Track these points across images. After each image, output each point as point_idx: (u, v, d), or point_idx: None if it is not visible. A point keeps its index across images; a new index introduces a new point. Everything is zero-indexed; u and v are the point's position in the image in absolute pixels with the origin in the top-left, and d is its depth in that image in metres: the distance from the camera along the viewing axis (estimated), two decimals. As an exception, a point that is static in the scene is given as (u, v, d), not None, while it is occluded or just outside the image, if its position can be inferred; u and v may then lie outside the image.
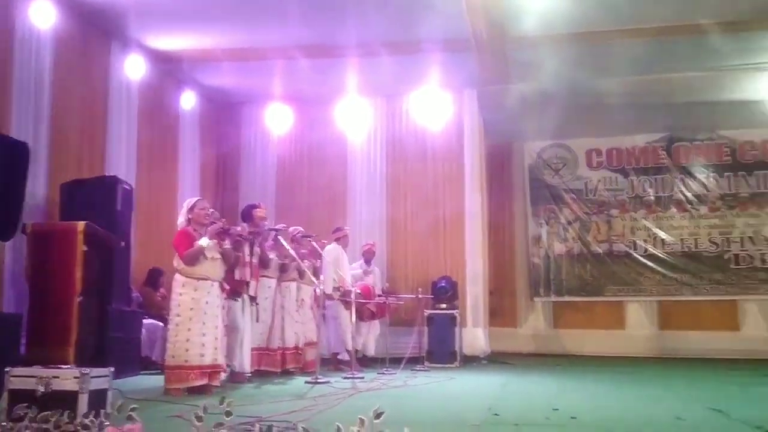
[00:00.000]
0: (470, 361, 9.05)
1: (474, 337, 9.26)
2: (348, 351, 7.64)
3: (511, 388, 6.16)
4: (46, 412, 3.05)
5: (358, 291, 7.72)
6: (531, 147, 12.22)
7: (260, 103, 10.15)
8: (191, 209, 5.42)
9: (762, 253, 11.17)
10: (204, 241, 5.22)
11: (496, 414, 4.16)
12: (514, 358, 10.16)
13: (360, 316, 7.95)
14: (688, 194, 11.58)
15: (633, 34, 8.38)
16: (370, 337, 8.52)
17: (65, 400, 3.20)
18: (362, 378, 6.65)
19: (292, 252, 6.55)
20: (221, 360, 5.30)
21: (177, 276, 5.27)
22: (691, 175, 11.62)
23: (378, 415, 2.59)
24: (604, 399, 5.36)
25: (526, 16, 7.41)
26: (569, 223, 11.97)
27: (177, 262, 5.26)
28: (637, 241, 11.66)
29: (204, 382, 5.14)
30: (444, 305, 8.92)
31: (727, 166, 11.51)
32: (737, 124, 11.22)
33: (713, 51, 8.62)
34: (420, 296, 8.48)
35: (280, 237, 6.51)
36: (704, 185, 11.55)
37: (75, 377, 3.25)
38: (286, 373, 6.86)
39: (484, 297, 9.61)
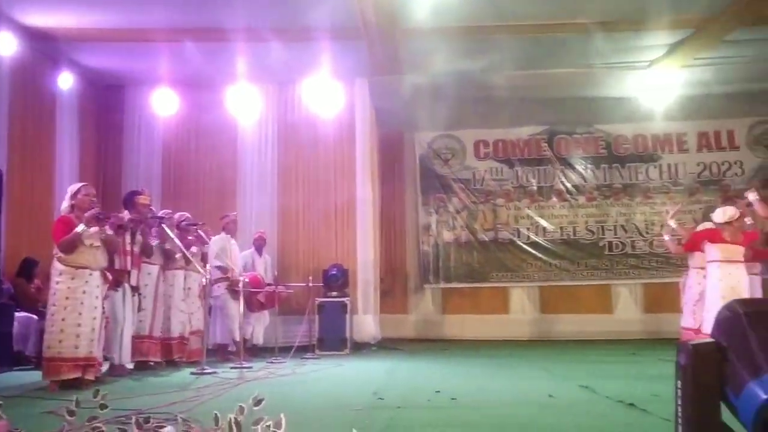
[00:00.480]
0: (360, 348, 9.16)
1: (364, 324, 9.37)
2: (236, 341, 7.54)
3: (398, 373, 6.30)
4: None
5: (247, 280, 7.62)
6: (421, 137, 12.44)
7: (145, 86, 9.78)
8: (75, 195, 5.17)
9: (632, 240, 11.92)
10: (81, 228, 4.98)
11: (380, 398, 4.24)
12: (404, 343, 10.38)
13: (249, 307, 7.86)
14: (568, 185, 12.17)
15: (518, 30, 8.69)
16: (259, 326, 8.44)
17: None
18: (250, 368, 6.59)
19: (176, 240, 6.37)
20: (97, 353, 5.08)
21: (55, 264, 5.02)
22: (570, 166, 12.21)
23: (257, 402, 2.58)
24: (485, 381, 5.58)
25: (416, 8, 7.51)
26: (457, 211, 12.30)
27: (56, 250, 5.00)
28: (521, 229, 12.14)
29: (77, 375, 4.92)
30: (335, 293, 8.96)
31: (602, 158, 12.18)
32: (612, 119, 11.88)
33: (591, 49, 9.09)
34: (311, 284, 8.47)
35: (164, 225, 6.31)
36: (582, 176, 12.17)
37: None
38: (171, 364, 6.69)
39: (375, 284, 9.72)
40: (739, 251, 6.75)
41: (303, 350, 8.30)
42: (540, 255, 12.03)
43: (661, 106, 10.23)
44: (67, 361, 4.85)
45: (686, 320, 7.69)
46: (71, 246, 4.95)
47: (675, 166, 12.03)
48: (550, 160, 12.26)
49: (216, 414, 2.51)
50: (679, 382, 1.70)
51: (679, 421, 1.68)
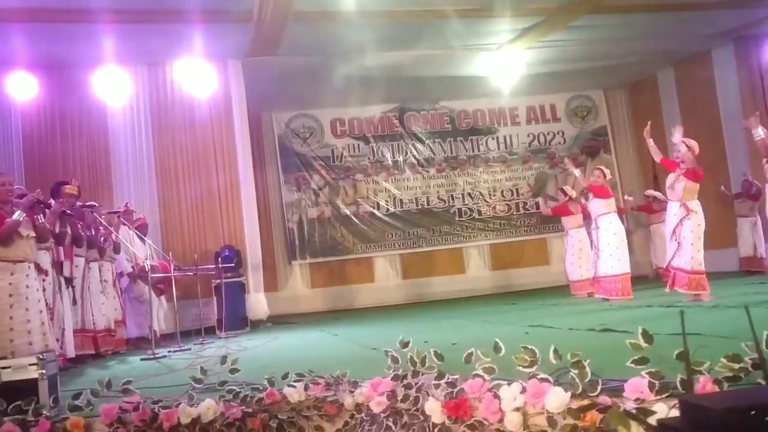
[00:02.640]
0: (256, 326, 9.35)
1: (257, 302, 9.55)
2: (154, 329, 7.42)
3: (351, 338, 6.51)
4: (17, 402, 2.83)
5: (157, 266, 7.52)
6: (279, 117, 12.67)
7: (-3, 69, 8.99)
8: (-9, 185, 4.81)
9: (478, 206, 13.19)
10: (19, 215, 4.72)
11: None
12: (289, 318, 10.70)
13: (156, 293, 7.76)
14: (420, 158, 13.13)
15: (385, 15, 9.17)
16: (160, 313, 8.32)
17: (22, 390, 2.95)
18: (167, 355, 6.41)
19: (112, 230, 6.19)
20: (53, 345, 4.90)
21: (-14, 260, 4.66)
22: (420, 141, 13.16)
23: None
24: (446, 333, 5.79)
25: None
26: (320, 188, 12.76)
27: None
28: (380, 202, 12.90)
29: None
30: (230, 274, 9.05)
31: (448, 132, 13.28)
32: (455, 96, 12.99)
33: (449, 32, 9.86)
34: (219, 267, 8.50)
35: (94, 213, 6.10)
36: (431, 149, 13.19)
37: (32, 365, 3.00)
38: (99, 356, 6.49)
39: (283, 261, 9.90)
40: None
41: (201, 333, 8.30)
42: (399, 225, 12.90)
43: (503, 84, 11.36)
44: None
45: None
46: (9, 237, 4.64)
47: (510, 138, 13.45)
48: (402, 135, 13.11)
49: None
50: None
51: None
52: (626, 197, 10.30)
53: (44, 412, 2.89)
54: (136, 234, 7.74)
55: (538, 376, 2.30)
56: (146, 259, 7.65)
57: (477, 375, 2.48)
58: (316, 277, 12.66)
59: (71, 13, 8.18)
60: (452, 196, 13.15)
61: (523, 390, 2.30)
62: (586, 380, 2.21)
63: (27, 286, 4.69)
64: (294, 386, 3.01)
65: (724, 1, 9.69)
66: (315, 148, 12.80)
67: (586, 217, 9.05)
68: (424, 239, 12.97)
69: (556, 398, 2.17)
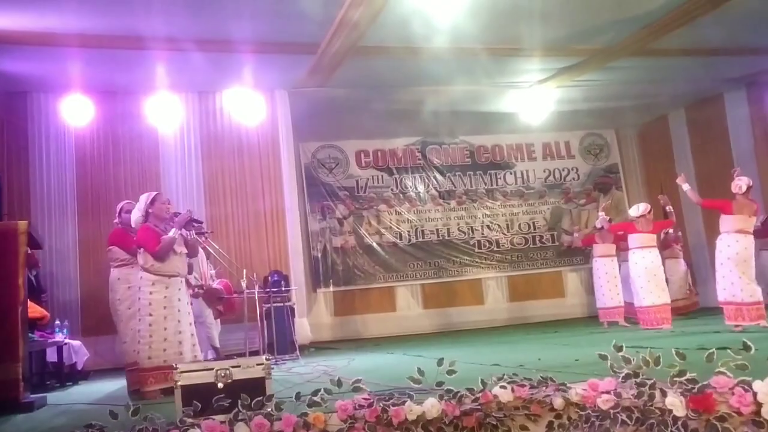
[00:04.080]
0: (301, 350, 9.45)
1: (302, 327, 9.68)
2: (216, 348, 7.53)
3: (410, 362, 6.81)
4: (259, 398, 3.00)
5: (221, 288, 7.64)
6: (306, 147, 12.90)
7: (53, 92, 9.11)
8: (151, 203, 5.06)
9: (497, 238, 13.54)
10: (174, 233, 4.94)
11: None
12: (322, 344, 10.82)
13: (215, 314, 7.87)
14: (441, 190, 13.47)
15: (427, 51, 9.42)
16: (215, 332, 8.39)
17: (249, 389, 3.12)
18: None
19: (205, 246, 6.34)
20: (199, 355, 5.07)
21: (144, 275, 4.88)
22: (441, 173, 13.52)
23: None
24: (504, 355, 6.26)
25: (378, 28, 8.12)
26: (344, 218, 12.97)
27: (144, 260, 4.88)
28: (402, 232, 13.16)
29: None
30: (278, 298, 9.18)
31: (468, 166, 13.67)
32: (475, 131, 13.42)
33: (486, 70, 10.26)
34: (266, 290, 8.63)
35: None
36: (452, 182, 13.54)
37: (258, 364, 3.17)
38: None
39: (307, 289, 10.06)
40: (652, 238, 8.42)
41: (253, 356, 8.39)
42: (420, 255, 13.15)
43: (532, 121, 11.82)
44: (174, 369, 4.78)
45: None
46: (166, 253, 4.88)
47: (526, 173, 13.90)
48: (424, 168, 13.45)
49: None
50: None
51: None
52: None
53: (282, 408, 3.05)
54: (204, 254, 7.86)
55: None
56: (210, 278, 7.77)
57: (720, 372, 2.76)
58: (339, 305, 12.79)
59: (127, 39, 8.36)
60: (472, 228, 13.48)
61: (779, 383, 2.59)
62: None
63: (179, 299, 4.89)
64: (505, 387, 3.23)
65: (739, 48, 10.30)
66: (340, 179, 13.05)
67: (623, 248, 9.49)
68: (445, 270, 13.23)
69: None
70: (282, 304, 9.11)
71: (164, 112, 9.44)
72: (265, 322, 8.98)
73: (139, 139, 9.48)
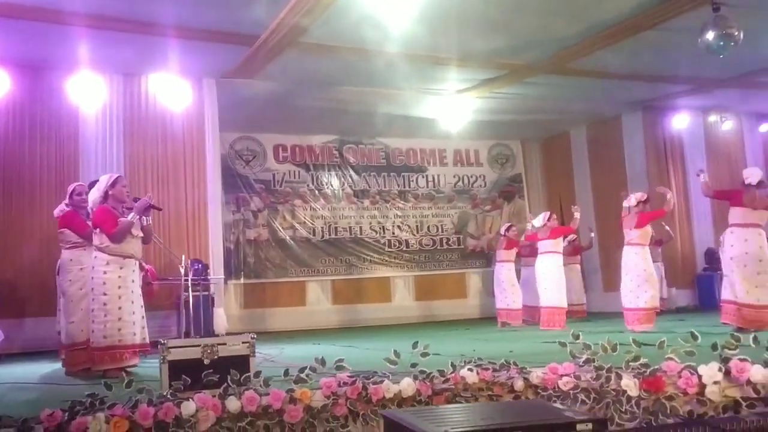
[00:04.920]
0: (217, 341, 9.43)
1: (219, 317, 9.65)
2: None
3: (338, 350, 6.99)
4: (248, 374, 3.13)
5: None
6: (224, 137, 12.77)
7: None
8: (112, 185, 5.02)
9: (406, 239, 13.96)
10: (133, 217, 4.93)
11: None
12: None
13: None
14: (355, 189, 13.73)
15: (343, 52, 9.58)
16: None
17: (234, 365, 3.23)
18: None
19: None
20: (147, 338, 5.07)
21: (99, 254, 4.82)
22: (357, 172, 13.78)
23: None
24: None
25: (319, 26, 8.27)
26: (259, 210, 12.97)
27: (100, 240, 4.82)
28: (316, 228, 13.32)
29: (136, 361, 4.89)
30: (199, 288, 9.11)
31: (382, 167, 14.02)
32: (391, 133, 13.79)
33: (405, 75, 10.57)
34: (193, 278, 8.55)
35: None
36: (366, 182, 13.84)
37: (243, 342, 3.29)
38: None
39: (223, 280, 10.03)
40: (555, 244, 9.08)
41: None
42: (332, 251, 13.35)
43: (451, 128, 12.31)
44: (128, 348, 4.78)
45: None
46: (123, 236, 4.84)
47: (437, 177, 14.42)
48: (340, 166, 13.67)
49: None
50: None
51: None
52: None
53: (269, 384, 3.21)
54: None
55: (739, 357, 3.04)
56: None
57: (670, 358, 3.18)
58: (249, 297, 12.76)
59: (47, 12, 8.05)
60: (383, 227, 13.83)
61: (720, 369, 3.03)
62: (775, 359, 2.99)
63: (133, 281, 4.85)
64: (472, 370, 3.53)
65: (638, 74, 11.20)
66: (257, 171, 13.04)
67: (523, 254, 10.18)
68: (355, 267, 13.51)
69: (759, 372, 2.92)
70: (202, 293, 9.05)
71: (86, 91, 9.14)
72: (184, 311, 8.91)
73: (59, 118, 9.12)
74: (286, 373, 3.30)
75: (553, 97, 11.92)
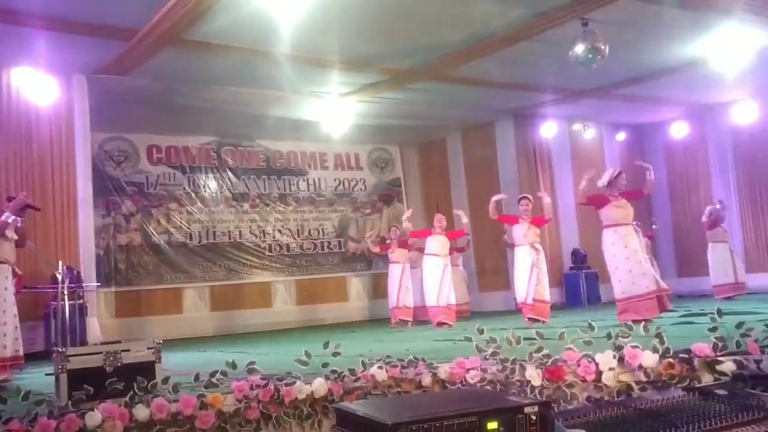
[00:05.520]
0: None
1: (92, 326, 9.13)
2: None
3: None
4: (155, 380, 2.98)
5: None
6: (92, 138, 12.07)
7: None
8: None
9: (287, 242, 13.84)
10: (8, 217, 4.52)
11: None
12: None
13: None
14: (234, 192, 13.44)
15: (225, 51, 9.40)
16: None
17: (139, 372, 3.07)
18: None
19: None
20: (21, 350, 4.65)
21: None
22: (236, 175, 13.50)
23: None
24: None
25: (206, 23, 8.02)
26: (131, 214, 12.38)
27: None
28: (193, 233, 12.90)
29: (6, 376, 4.49)
30: (70, 296, 8.55)
31: (262, 170, 13.82)
32: (271, 135, 13.63)
33: (288, 76, 10.50)
34: (69, 286, 8.01)
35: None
36: (246, 185, 13.58)
37: (148, 348, 3.12)
38: None
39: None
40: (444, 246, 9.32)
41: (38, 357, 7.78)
42: (210, 257, 12.99)
43: (334, 131, 12.31)
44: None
45: None
46: (-2, 236, 4.43)
47: (318, 181, 14.41)
48: (218, 168, 13.33)
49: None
50: None
51: None
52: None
53: (179, 390, 3.08)
54: None
55: (631, 345, 3.26)
56: None
57: (569, 348, 3.36)
58: (122, 306, 12.13)
59: None
60: (263, 231, 13.62)
61: (614, 356, 3.24)
62: (664, 346, 3.23)
63: (5, 288, 4.45)
64: (382, 368, 3.57)
65: (512, 83, 11.78)
66: (129, 173, 12.46)
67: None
68: (235, 272, 13.21)
69: (650, 357, 3.15)
70: (75, 302, 8.49)
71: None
72: (53, 321, 8.33)
73: None
74: (197, 378, 3.17)
75: (431, 103, 12.25)
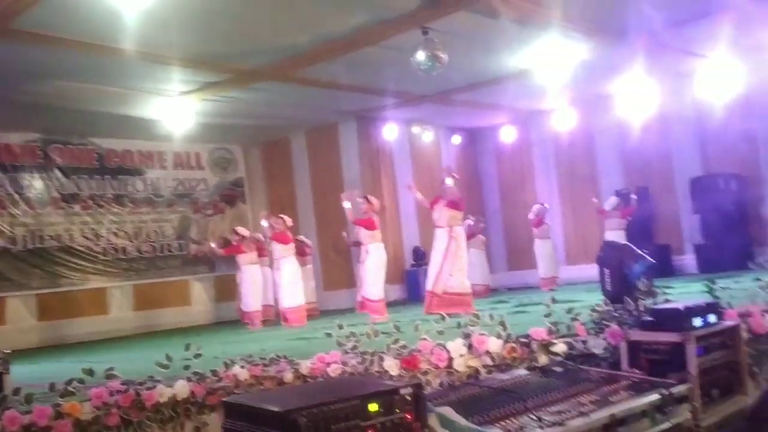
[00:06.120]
0: None
1: None
2: None
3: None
4: (4, 393, 2.81)
5: None
6: None
7: None
8: None
9: (123, 246, 13.21)
10: None
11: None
12: None
13: None
14: (64, 193, 12.60)
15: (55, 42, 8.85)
16: None
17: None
18: None
19: None
20: None
21: None
22: (66, 175, 12.66)
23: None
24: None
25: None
26: (-59, 217, 11.26)
27: None
28: (17, 237, 11.96)
29: None
30: None
31: (95, 169, 13.08)
32: (105, 133, 12.95)
33: (125, 72, 10.06)
34: None
35: None
36: (77, 185, 12.79)
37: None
38: None
39: None
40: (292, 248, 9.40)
41: None
42: (37, 263, 12.12)
43: (176, 130, 11.91)
44: None
45: None
46: None
47: (156, 180, 13.88)
48: (45, 167, 12.45)
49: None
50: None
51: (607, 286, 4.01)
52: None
53: (32, 401, 2.94)
54: None
55: (479, 333, 3.54)
56: None
57: (423, 339, 3.58)
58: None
59: None
60: (97, 234, 12.91)
61: (464, 343, 3.51)
62: (507, 332, 3.55)
63: None
64: (244, 367, 3.61)
65: (355, 86, 12.09)
66: (-60, 173, 11.31)
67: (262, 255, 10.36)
68: (65, 278, 12.41)
69: (495, 343, 3.44)
70: None
71: None
72: None
73: None
74: (52, 387, 3.03)
75: (275, 103, 12.24)
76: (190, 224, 14.21)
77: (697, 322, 3.24)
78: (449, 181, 8.68)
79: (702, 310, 3.30)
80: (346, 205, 9.19)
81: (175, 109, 11.46)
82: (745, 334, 3.72)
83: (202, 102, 11.56)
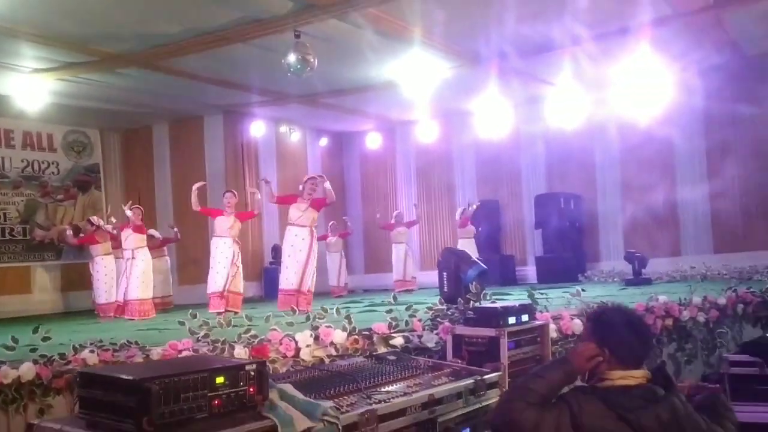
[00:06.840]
0: None
1: None
2: None
3: None
4: None
5: None
6: None
7: None
8: None
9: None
10: None
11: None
12: None
13: None
14: None
15: None
16: None
17: None
18: None
19: None
20: None
21: None
22: None
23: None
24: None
25: None
26: None
27: None
28: None
29: None
30: None
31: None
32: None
33: None
34: None
35: None
36: None
37: None
38: None
39: None
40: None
41: None
42: None
43: (29, 108, 11.26)
44: None
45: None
46: None
47: (2, 160, 13.08)
48: None
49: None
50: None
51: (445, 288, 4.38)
52: None
53: None
54: None
55: (326, 325, 3.81)
56: None
57: (273, 329, 3.81)
58: None
59: None
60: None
61: (311, 335, 3.78)
62: (351, 326, 3.86)
63: None
64: (93, 351, 3.68)
65: (224, 80, 12.06)
66: None
67: (117, 246, 10.10)
68: None
69: (340, 335, 3.74)
70: None
71: None
72: None
73: None
74: None
75: (139, 90, 11.95)
76: (37, 208, 13.49)
77: (512, 320, 3.74)
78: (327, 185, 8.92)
79: (516, 311, 3.81)
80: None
81: (26, 86, 10.88)
82: (555, 334, 4.28)
83: (59, 82, 11.07)
